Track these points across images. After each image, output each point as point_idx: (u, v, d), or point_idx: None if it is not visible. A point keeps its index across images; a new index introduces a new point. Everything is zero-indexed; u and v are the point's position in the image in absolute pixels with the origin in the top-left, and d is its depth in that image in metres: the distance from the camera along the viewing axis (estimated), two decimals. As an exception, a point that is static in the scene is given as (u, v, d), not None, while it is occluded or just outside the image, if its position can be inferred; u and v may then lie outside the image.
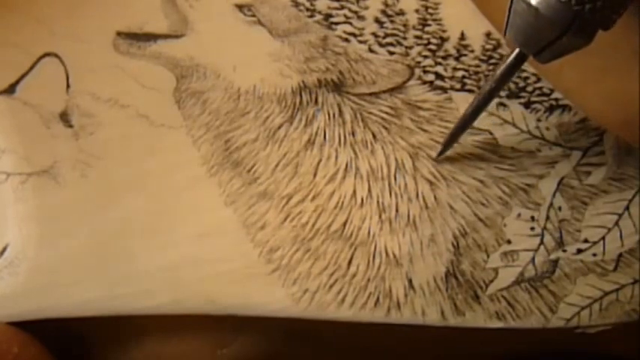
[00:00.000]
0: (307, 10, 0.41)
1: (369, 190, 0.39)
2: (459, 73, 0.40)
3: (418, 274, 0.38)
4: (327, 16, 0.41)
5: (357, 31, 0.41)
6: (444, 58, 0.40)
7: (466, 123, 0.38)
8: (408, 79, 0.40)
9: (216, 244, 0.39)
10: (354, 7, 0.41)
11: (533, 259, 0.39)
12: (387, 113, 0.40)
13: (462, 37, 0.41)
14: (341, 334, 0.41)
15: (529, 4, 0.31)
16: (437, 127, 0.40)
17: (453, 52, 0.40)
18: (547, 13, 0.31)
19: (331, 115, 0.40)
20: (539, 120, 0.40)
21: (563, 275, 0.38)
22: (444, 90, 0.40)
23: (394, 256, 0.38)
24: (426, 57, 0.41)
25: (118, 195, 0.40)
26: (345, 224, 0.39)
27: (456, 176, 0.39)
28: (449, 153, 0.39)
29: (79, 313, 0.39)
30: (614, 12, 0.31)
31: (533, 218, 0.39)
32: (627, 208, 0.39)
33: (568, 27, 0.31)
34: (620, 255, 0.39)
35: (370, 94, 0.40)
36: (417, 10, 0.41)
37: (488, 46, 0.40)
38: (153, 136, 0.40)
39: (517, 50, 0.34)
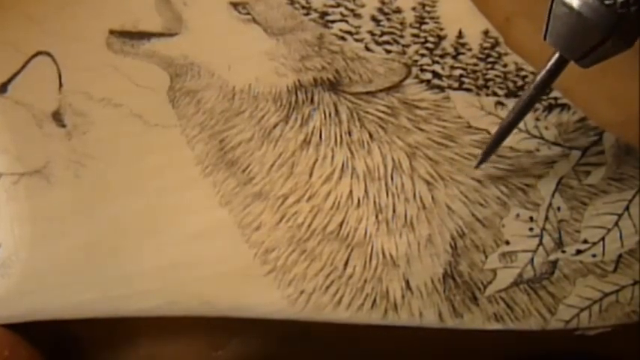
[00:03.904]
0: (303, 8, 0.41)
1: (366, 191, 0.39)
2: (457, 72, 0.40)
3: (415, 276, 0.38)
4: (323, 14, 0.41)
5: (353, 30, 0.41)
6: (442, 56, 0.40)
7: (507, 130, 0.37)
8: (405, 78, 0.40)
9: (211, 245, 0.39)
10: (351, 5, 0.41)
11: (531, 260, 0.38)
12: (383, 112, 0.40)
13: (460, 35, 0.40)
14: (338, 336, 0.41)
15: (571, 8, 0.30)
16: (434, 127, 0.39)
17: (451, 50, 0.40)
18: (591, 17, 0.29)
19: (327, 115, 0.40)
20: (537, 119, 0.39)
21: (563, 276, 0.38)
22: (442, 89, 0.40)
23: (391, 257, 0.38)
24: (423, 55, 0.40)
25: (111, 195, 0.40)
26: (341, 225, 0.39)
27: (454, 176, 0.39)
28: (447, 153, 0.39)
29: (72, 315, 0.39)
30: None
31: (531, 219, 0.39)
32: (627, 208, 0.39)
33: (612, 31, 0.30)
34: (620, 256, 0.38)
35: (367, 93, 0.40)
36: (414, 8, 0.41)
37: (486, 45, 0.40)
38: (147, 135, 0.40)
39: (557, 55, 0.33)
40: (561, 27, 0.31)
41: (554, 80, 0.34)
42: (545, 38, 0.32)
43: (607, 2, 0.29)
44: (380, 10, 0.41)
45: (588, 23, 0.30)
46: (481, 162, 0.38)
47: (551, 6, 0.31)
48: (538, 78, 0.34)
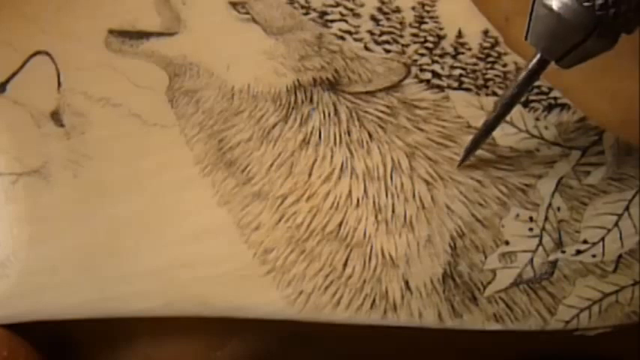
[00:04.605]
0: (302, 7, 0.41)
1: (365, 191, 0.39)
2: (456, 72, 0.40)
3: (415, 276, 0.38)
4: (323, 13, 0.41)
5: (352, 29, 0.41)
6: (441, 56, 0.40)
7: (488, 130, 0.37)
8: (405, 78, 0.40)
9: (209, 245, 0.39)
10: (350, 5, 0.41)
11: (531, 260, 0.38)
12: (383, 112, 0.40)
13: (459, 34, 0.40)
14: (337, 336, 0.40)
15: (551, 9, 0.30)
16: (434, 127, 0.39)
17: (450, 50, 0.40)
18: (570, 18, 0.30)
19: (326, 114, 0.40)
20: (537, 119, 0.39)
21: (562, 277, 0.38)
22: (441, 88, 0.40)
23: (390, 257, 0.38)
24: (422, 55, 0.40)
25: (109, 195, 0.40)
26: (340, 225, 0.39)
27: (454, 176, 0.39)
28: (446, 153, 0.39)
29: (71, 315, 0.39)
30: (638, 15, 0.30)
31: (531, 219, 0.38)
32: (627, 208, 0.38)
33: (591, 32, 0.30)
34: (620, 256, 0.38)
35: (366, 93, 0.40)
36: (413, 8, 0.40)
37: (486, 44, 0.40)
38: (145, 135, 0.40)
39: (538, 56, 0.33)
40: (541, 28, 0.31)
41: (535, 80, 0.35)
42: (526, 38, 0.32)
43: (586, 4, 0.29)
44: (379, 9, 0.41)
45: (567, 24, 0.30)
46: (462, 161, 0.38)
47: (533, 7, 0.31)
48: (519, 78, 0.35)
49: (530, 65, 0.34)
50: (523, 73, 0.34)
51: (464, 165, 0.39)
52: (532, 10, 0.31)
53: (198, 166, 0.40)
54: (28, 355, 0.39)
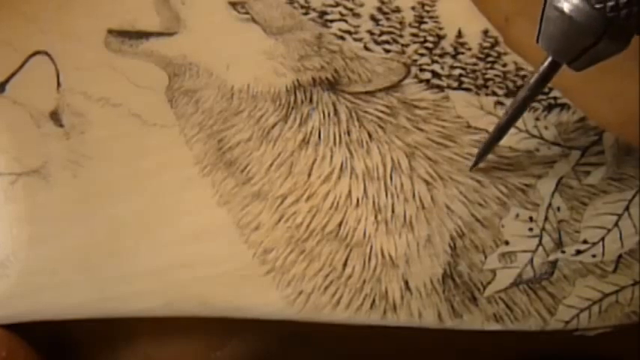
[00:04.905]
0: (302, 7, 0.41)
1: (365, 191, 0.39)
2: (456, 72, 0.40)
3: (415, 276, 0.38)
4: (322, 13, 0.41)
5: (352, 29, 0.41)
6: (441, 56, 0.40)
7: (500, 133, 0.37)
8: (404, 78, 0.40)
9: (209, 246, 0.39)
10: (350, 5, 0.41)
11: (531, 260, 0.38)
12: (382, 112, 0.40)
13: (459, 34, 0.40)
14: (337, 336, 0.40)
15: (562, 12, 0.30)
16: (433, 127, 0.39)
17: (450, 50, 0.40)
18: (581, 21, 0.30)
19: (326, 114, 0.40)
20: (537, 119, 0.39)
21: (562, 277, 0.38)
22: (441, 88, 0.40)
23: (390, 257, 0.38)
24: (422, 55, 0.40)
25: (109, 195, 0.40)
26: (340, 225, 0.39)
27: (453, 176, 0.39)
28: (446, 153, 0.39)
29: (70, 316, 0.39)
30: None
31: (531, 219, 0.38)
32: (627, 208, 0.38)
33: (602, 34, 0.30)
34: (620, 256, 0.38)
35: (366, 93, 0.40)
36: (413, 8, 0.40)
37: (486, 44, 0.40)
38: (145, 135, 0.40)
39: (550, 58, 0.33)
40: (553, 30, 0.31)
41: (547, 83, 0.35)
42: (537, 41, 0.32)
43: (597, 6, 0.29)
44: (379, 9, 0.41)
45: (579, 27, 0.30)
46: (475, 164, 0.38)
47: (544, 9, 0.31)
48: (531, 81, 0.34)
49: (542, 68, 0.34)
50: (535, 77, 0.34)
51: (463, 165, 0.39)
52: (543, 13, 0.31)
53: (198, 166, 0.40)
54: (27, 356, 0.39)
